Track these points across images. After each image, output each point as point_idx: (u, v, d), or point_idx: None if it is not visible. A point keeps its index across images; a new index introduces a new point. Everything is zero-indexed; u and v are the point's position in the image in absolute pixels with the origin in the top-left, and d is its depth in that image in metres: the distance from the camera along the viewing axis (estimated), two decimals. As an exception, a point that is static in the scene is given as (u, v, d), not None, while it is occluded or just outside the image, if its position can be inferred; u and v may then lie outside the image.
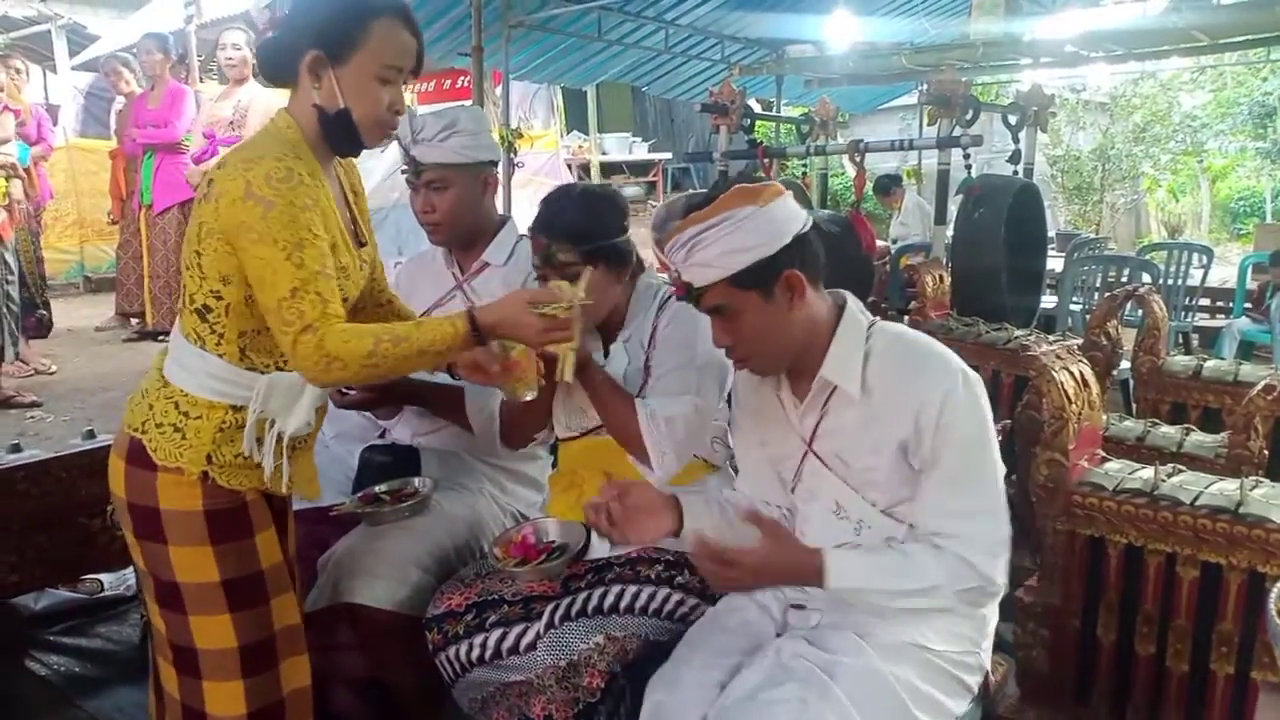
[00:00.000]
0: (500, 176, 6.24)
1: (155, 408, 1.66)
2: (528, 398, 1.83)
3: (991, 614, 1.72)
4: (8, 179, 5.08)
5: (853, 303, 1.65)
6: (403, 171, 2.28)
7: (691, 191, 1.64)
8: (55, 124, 7.48)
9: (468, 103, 8.53)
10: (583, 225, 1.88)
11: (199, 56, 7.67)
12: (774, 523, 1.59)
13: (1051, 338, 3.58)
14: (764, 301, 1.55)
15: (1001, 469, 1.55)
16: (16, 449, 2.91)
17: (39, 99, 6.70)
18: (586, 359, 1.89)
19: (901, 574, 1.53)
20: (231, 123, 5.32)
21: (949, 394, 1.53)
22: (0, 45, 5.76)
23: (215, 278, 1.61)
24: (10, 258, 5.10)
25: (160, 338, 6.04)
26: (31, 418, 4.90)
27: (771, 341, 1.59)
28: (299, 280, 1.56)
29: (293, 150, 1.62)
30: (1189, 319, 6.16)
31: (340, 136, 1.66)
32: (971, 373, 1.57)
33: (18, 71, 5.91)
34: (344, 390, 2.17)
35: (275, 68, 1.68)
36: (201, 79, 7.57)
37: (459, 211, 2.25)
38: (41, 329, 5.99)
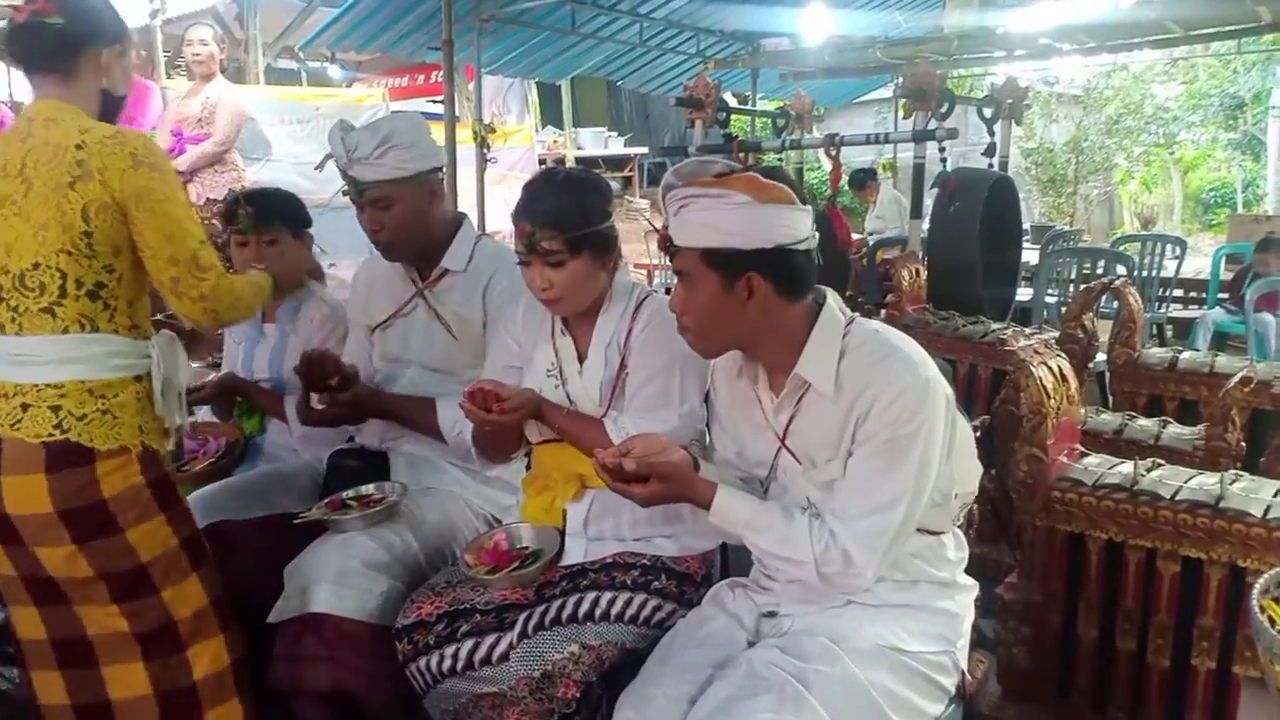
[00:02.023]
0: (474, 172, 6.19)
1: (65, 407, 1.67)
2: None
3: (966, 612, 1.70)
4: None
5: (832, 299, 1.62)
6: (343, 193, 2.19)
7: (729, 161, 1.61)
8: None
9: (413, 110, 8.50)
10: (567, 212, 1.82)
11: (165, 53, 7.54)
12: (668, 465, 1.56)
13: (1028, 331, 3.57)
14: (721, 288, 1.53)
15: (922, 477, 1.52)
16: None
17: (3, 96, 6.59)
18: (538, 411, 1.89)
19: (777, 539, 1.56)
20: (200, 120, 5.21)
21: (903, 392, 1.50)
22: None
23: (108, 252, 1.69)
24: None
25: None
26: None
27: (714, 326, 1.58)
28: (201, 233, 1.76)
29: None
30: (1163, 310, 6.17)
31: (110, 118, 1.82)
32: (939, 384, 1.54)
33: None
34: (310, 406, 2.17)
35: (56, 57, 1.74)
36: (169, 75, 7.44)
37: (408, 227, 2.18)
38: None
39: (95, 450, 1.67)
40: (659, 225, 1.62)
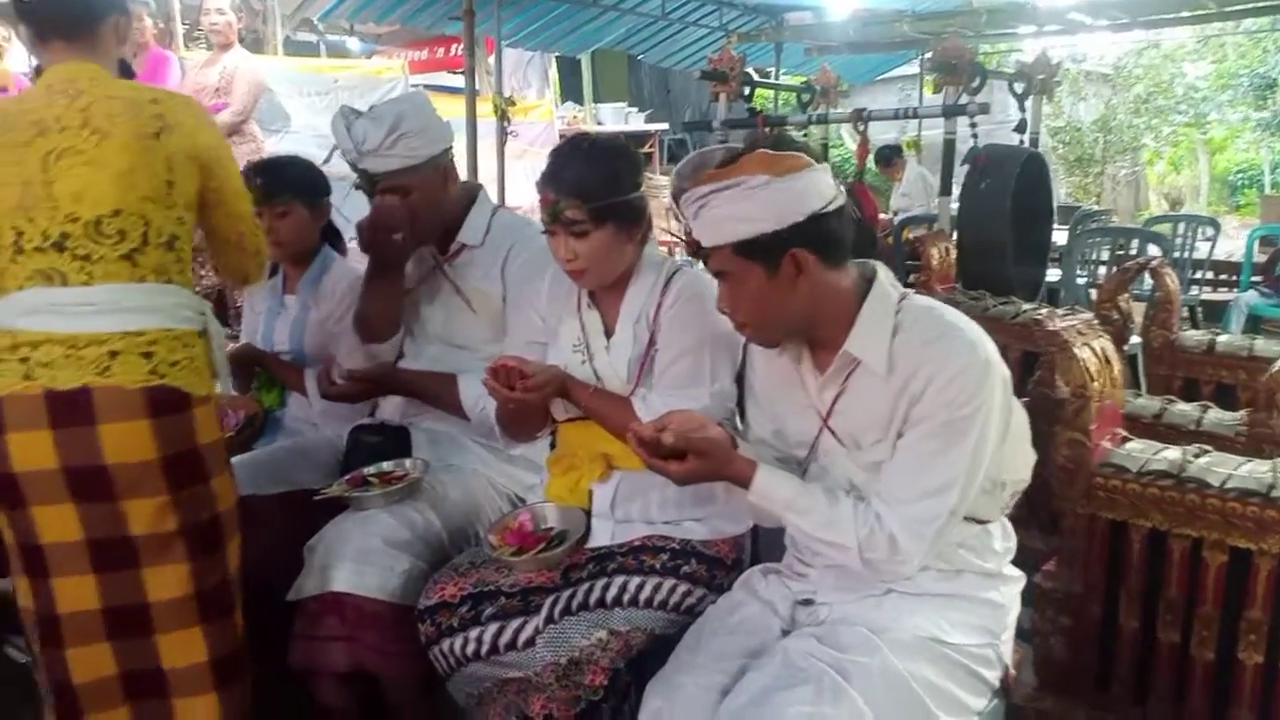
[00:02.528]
0: (494, 146, 6.13)
1: (156, 353, 1.68)
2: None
3: (1011, 604, 1.64)
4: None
5: (884, 274, 1.55)
6: (356, 186, 2.14)
7: (729, 146, 1.54)
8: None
9: (416, 89, 8.43)
10: (593, 181, 1.76)
11: (183, 24, 7.49)
12: (706, 441, 1.50)
13: (1061, 311, 3.49)
14: (766, 276, 1.46)
15: (975, 463, 1.46)
16: None
17: (22, 68, 6.56)
18: (563, 389, 1.83)
19: (820, 522, 1.50)
20: (217, 89, 5.17)
21: (961, 372, 1.44)
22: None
23: (182, 205, 1.74)
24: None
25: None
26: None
27: (771, 315, 1.51)
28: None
29: None
30: (1195, 293, 6.07)
31: None
32: (999, 365, 1.47)
33: (5, 40, 5.75)
34: (331, 380, 2.13)
35: (81, 20, 1.76)
36: (187, 46, 7.39)
37: (425, 211, 2.13)
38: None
39: (192, 396, 1.70)
40: (677, 223, 1.56)
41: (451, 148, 2.19)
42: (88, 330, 1.65)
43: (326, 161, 2.23)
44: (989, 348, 1.48)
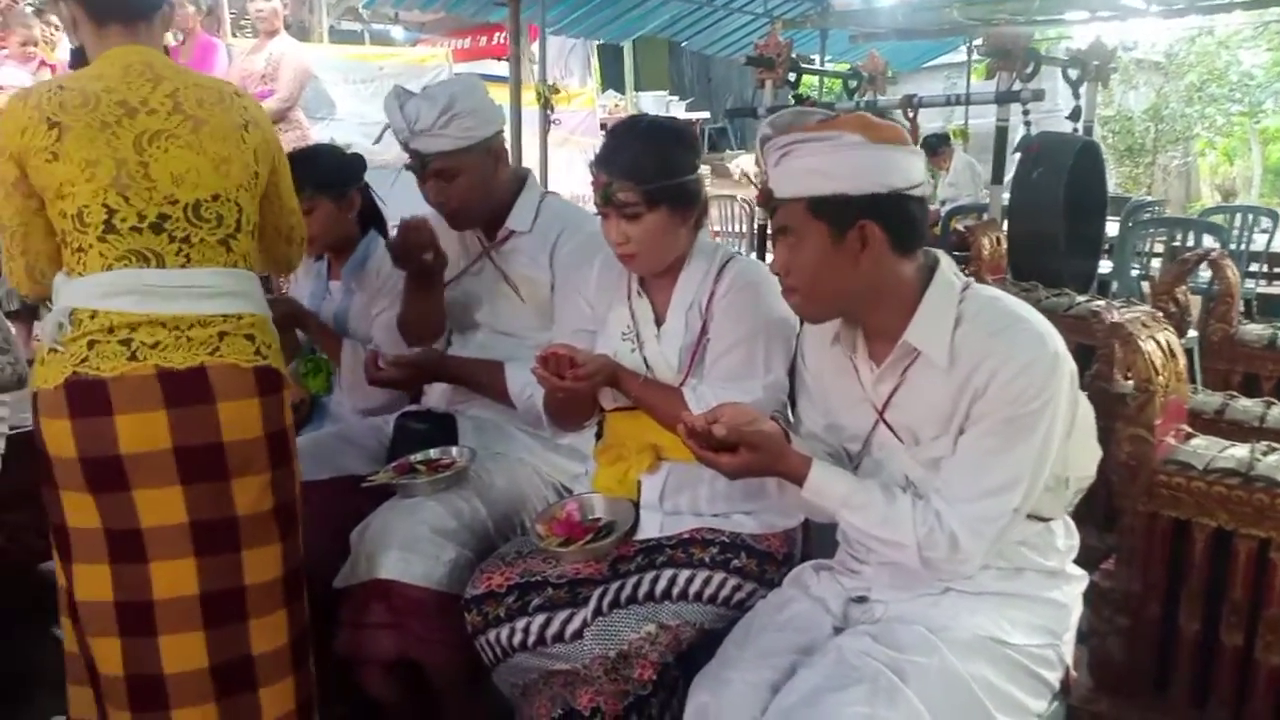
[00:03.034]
0: (537, 135, 6.12)
1: (257, 336, 1.73)
2: None
3: (1074, 604, 1.59)
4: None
5: (945, 263, 1.50)
6: (406, 167, 2.13)
7: (822, 109, 1.52)
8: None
9: (469, 73, 8.44)
10: (646, 162, 1.72)
11: (230, 11, 7.56)
12: (759, 435, 1.46)
13: (1118, 303, 3.41)
14: (831, 241, 1.42)
15: (1041, 460, 1.41)
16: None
17: (64, 57, 6.67)
18: (613, 378, 1.80)
19: (877, 519, 1.46)
20: (264, 76, 5.20)
21: (1028, 366, 1.39)
22: (36, 1, 5.67)
23: (259, 196, 1.81)
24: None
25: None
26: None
27: (825, 285, 1.46)
28: None
29: None
30: (1251, 286, 5.92)
31: None
32: (1067, 359, 1.42)
33: (56, 28, 5.83)
34: (377, 366, 2.11)
35: (140, 6, 1.76)
36: (234, 33, 7.45)
37: (474, 195, 2.11)
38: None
39: (284, 377, 1.78)
40: (752, 178, 1.52)
41: (502, 131, 2.17)
42: (192, 312, 1.66)
43: (377, 141, 2.22)
44: (1057, 340, 1.43)
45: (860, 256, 1.42)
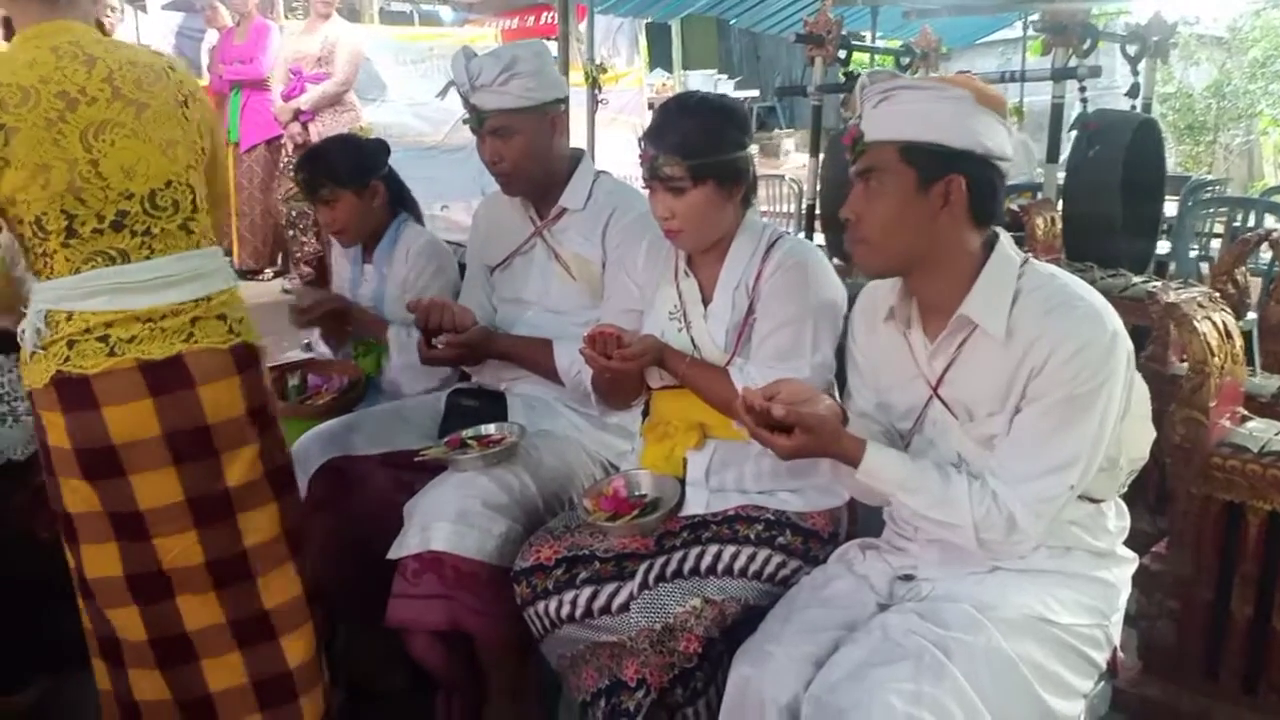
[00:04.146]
0: (585, 114, 6.12)
1: (228, 314, 1.76)
2: None
3: (1123, 585, 1.58)
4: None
5: (1005, 239, 1.50)
6: (464, 121, 2.15)
7: None
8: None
9: (537, 38, 8.40)
10: (694, 138, 1.73)
11: (284, -7, 7.64)
12: (816, 417, 1.46)
13: (1174, 284, 3.35)
14: (915, 189, 1.42)
15: (1098, 440, 1.41)
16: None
17: (131, 39, 6.76)
18: (660, 358, 1.81)
19: (933, 500, 1.45)
20: (319, 59, 5.26)
21: (1086, 346, 1.38)
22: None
23: (207, 167, 1.79)
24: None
25: (248, 276, 6.08)
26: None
27: (896, 236, 1.45)
28: None
29: None
30: (1315, 267, 5.74)
31: None
32: (1124, 339, 1.42)
33: (113, 10, 5.94)
34: (431, 344, 2.14)
35: None
36: (286, 16, 7.54)
37: (529, 158, 2.12)
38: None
39: (258, 348, 1.79)
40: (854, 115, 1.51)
41: (564, 100, 2.18)
42: (163, 303, 1.67)
43: (442, 95, 2.25)
44: (1115, 320, 1.42)
45: (939, 213, 1.42)
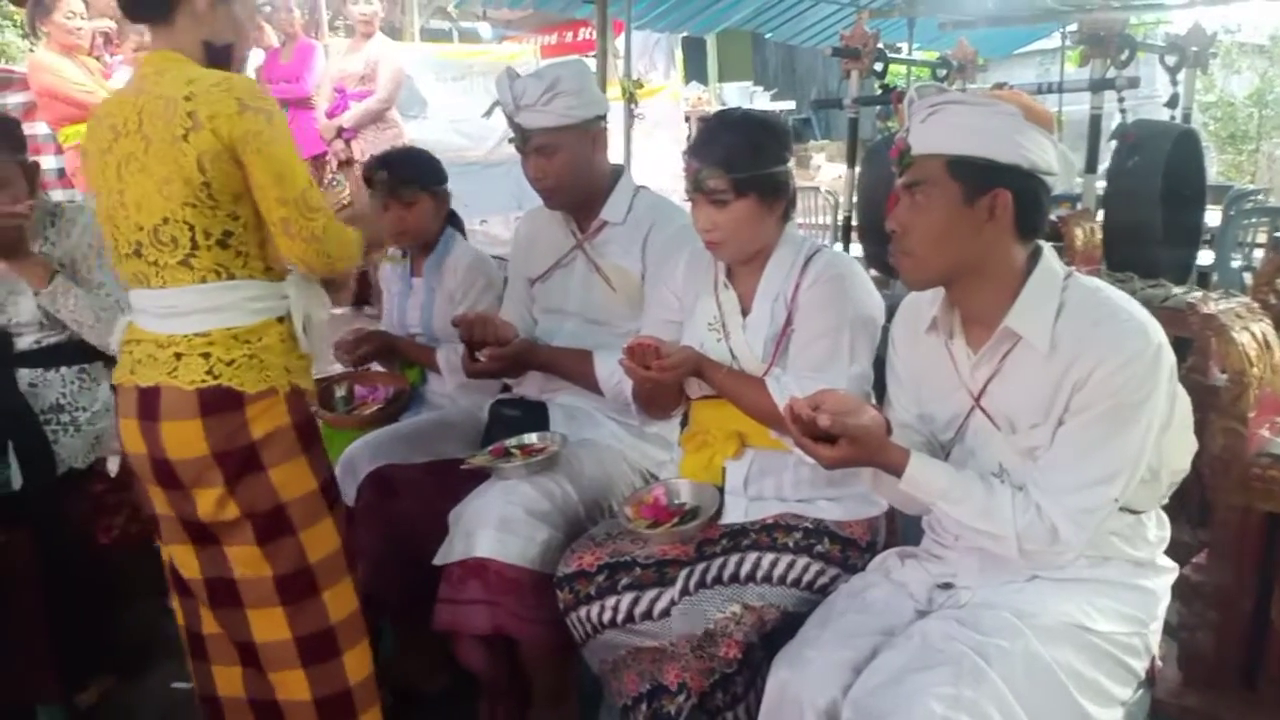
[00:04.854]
0: (621, 129, 6.18)
1: (214, 354, 1.71)
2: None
3: (1163, 594, 1.59)
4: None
5: (1049, 252, 1.52)
6: (510, 140, 2.21)
7: None
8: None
9: (577, 57, 8.47)
10: (737, 152, 1.77)
11: (327, 12, 7.79)
12: (861, 428, 1.46)
13: (1215, 295, 3.32)
14: (961, 203, 1.44)
15: (1141, 452, 1.42)
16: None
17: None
18: (698, 368, 1.84)
19: (977, 511, 1.46)
20: (363, 77, 5.37)
21: (1131, 359, 1.39)
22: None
23: (229, 200, 1.68)
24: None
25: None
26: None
27: (942, 247, 1.47)
28: (307, 177, 1.72)
29: None
30: (1361, 277, 5.65)
31: (224, 68, 1.76)
32: (1169, 351, 1.43)
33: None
34: (475, 357, 2.19)
35: (147, 5, 1.73)
36: (330, 33, 7.69)
37: (572, 174, 2.18)
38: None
39: (245, 394, 1.71)
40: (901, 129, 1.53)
41: (605, 117, 2.24)
42: (165, 332, 1.73)
43: (487, 115, 2.31)
44: (1160, 333, 1.43)
45: (985, 226, 1.44)
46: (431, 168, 2.58)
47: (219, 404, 1.69)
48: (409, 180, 2.50)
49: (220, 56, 1.76)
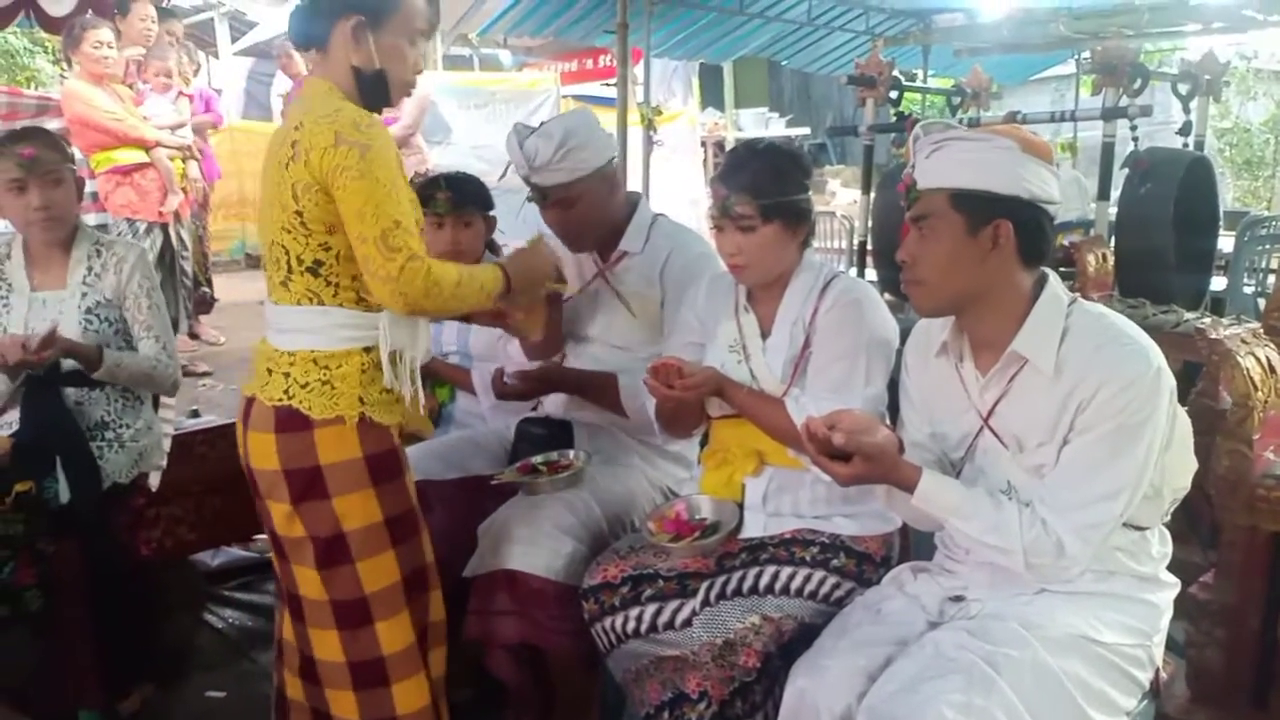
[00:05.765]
0: (640, 154, 6.27)
1: (293, 375, 1.76)
2: (536, 338, 2.12)
3: (1166, 607, 1.65)
4: (185, 160, 5.35)
5: (1054, 279, 1.60)
6: (529, 199, 2.28)
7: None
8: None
9: (584, 107, 8.59)
10: (764, 179, 1.86)
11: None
12: (875, 446, 1.52)
13: (1226, 321, 3.37)
14: (965, 234, 1.52)
15: (1144, 470, 1.48)
16: (195, 415, 3.09)
17: (203, 83, 7.09)
18: (718, 388, 1.90)
19: (986, 527, 1.52)
20: (387, 104, 5.49)
21: (1133, 382, 1.46)
22: (179, 33, 6.01)
23: (321, 230, 1.70)
24: (186, 235, 5.40)
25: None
26: (203, 385, 5.20)
27: (949, 277, 1.55)
28: (400, 213, 1.68)
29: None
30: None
31: (375, 96, 1.78)
32: (1169, 374, 1.50)
33: (192, 59, 6.21)
34: (504, 381, 2.26)
35: (308, 33, 1.77)
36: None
37: (593, 219, 2.26)
38: (205, 304, 6.23)
39: (312, 419, 1.73)
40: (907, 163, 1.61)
41: (615, 158, 2.32)
42: (273, 346, 1.82)
43: (501, 178, 2.39)
44: (1159, 357, 1.50)
45: (989, 255, 1.52)
46: (486, 192, 2.66)
47: (289, 424, 1.75)
48: (469, 201, 2.57)
49: (372, 84, 1.76)
